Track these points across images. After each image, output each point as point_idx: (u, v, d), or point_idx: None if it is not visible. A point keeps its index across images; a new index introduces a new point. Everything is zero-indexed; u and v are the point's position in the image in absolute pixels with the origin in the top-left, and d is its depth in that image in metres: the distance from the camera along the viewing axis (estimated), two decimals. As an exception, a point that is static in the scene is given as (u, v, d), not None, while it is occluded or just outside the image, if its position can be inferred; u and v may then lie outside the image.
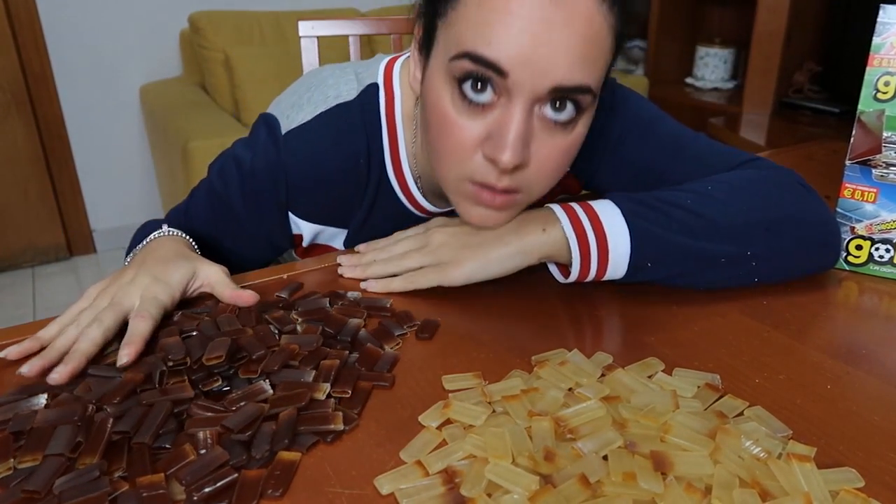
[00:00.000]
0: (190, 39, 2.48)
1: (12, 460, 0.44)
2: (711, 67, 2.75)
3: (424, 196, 0.77)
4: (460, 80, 0.57)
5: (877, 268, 0.73)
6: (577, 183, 0.82)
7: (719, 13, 2.86)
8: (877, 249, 0.73)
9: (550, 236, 0.63)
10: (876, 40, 0.68)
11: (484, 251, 0.64)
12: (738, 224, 0.64)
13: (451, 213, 0.81)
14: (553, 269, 0.68)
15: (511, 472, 0.42)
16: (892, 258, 0.72)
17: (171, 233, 0.70)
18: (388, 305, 0.64)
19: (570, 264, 0.64)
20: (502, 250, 0.64)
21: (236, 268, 0.73)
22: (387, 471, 0.44)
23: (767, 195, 0.67)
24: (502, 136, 0.57)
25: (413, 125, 0.73)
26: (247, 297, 0.62)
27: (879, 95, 0.69)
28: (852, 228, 0.73)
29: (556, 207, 0.65)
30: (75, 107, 2.49)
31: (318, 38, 1.18)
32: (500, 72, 0.54)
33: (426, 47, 0.62)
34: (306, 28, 1.17)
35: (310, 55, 1.19)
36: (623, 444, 0.45)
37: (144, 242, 0.69)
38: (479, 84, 0.56)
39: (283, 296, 0.66)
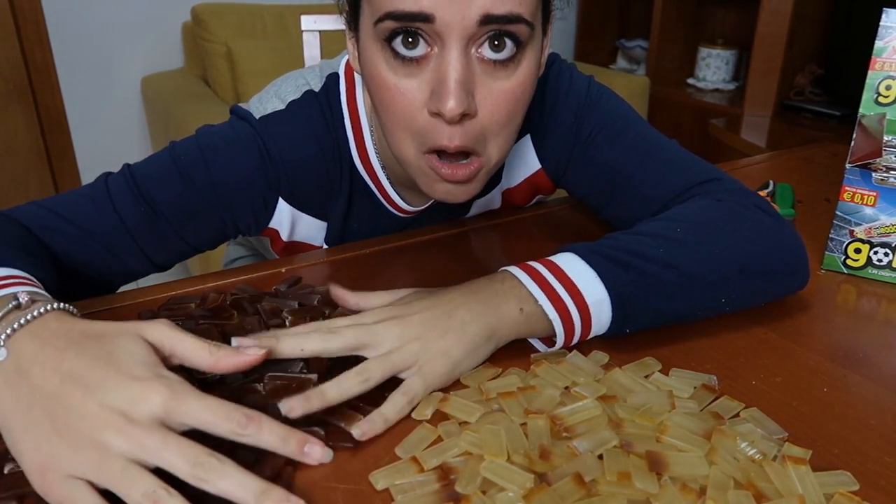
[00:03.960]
0: (192, 31, 2.48)
1: None
2: (713, 68, 2.74)
3: (395, 189, 0.76)
4: (389, 40, 0.57)
5: (875, 271, 0.73)
6: (550, 183, 0.81)
7: (722, 14, 2.85)
8: (875, 253, 0.73)
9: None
10: (878, 44, 0.68)
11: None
12: (713, 271, 0.60)
13: (428, 210, 0.81)
14: (535, 341, 0.60)
15: (506, 469, 0.43)
16: (890, 262, 0.72)
17: (57, 306, 0.46)
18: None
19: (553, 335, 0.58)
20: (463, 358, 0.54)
21: (178, 258, 0.70)
22: (382, 466, 0.44)
23: (736, 232, 0.63)
24: (443, 84, 0.56)
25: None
26: (247, 357, 0.46)
27: (881, 99, 0.69)
28: (851, 232, 0.73)
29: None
30: (76, 97, 2.48)
31: (320, 32, 1.18)
32: (426, 18, 0.54)
33: (354, 22, 0.62)
34: (308, 22, 1.17)
35: (312, 49, 1.18)
36: (619, 444, 0.45)
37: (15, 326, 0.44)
38: (410, 38, 0.56)
39: (281, 290, 0.66)
